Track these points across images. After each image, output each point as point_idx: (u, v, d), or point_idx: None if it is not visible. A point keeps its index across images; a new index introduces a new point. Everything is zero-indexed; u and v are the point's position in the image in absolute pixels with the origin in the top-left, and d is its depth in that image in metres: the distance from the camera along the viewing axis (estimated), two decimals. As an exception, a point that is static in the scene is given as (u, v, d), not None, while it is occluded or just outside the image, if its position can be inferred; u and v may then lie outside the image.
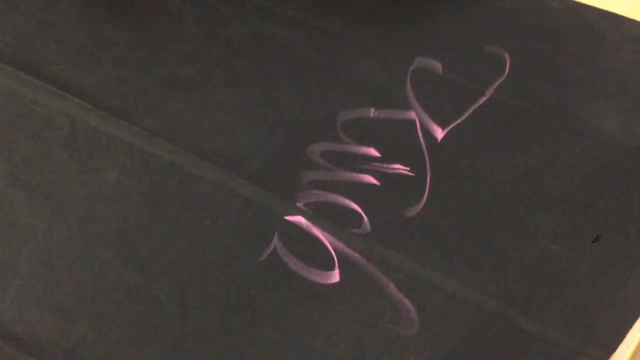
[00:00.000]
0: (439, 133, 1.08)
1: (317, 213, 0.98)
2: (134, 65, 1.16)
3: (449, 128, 1.09)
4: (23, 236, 0.92)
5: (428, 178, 1.02)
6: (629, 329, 0.88)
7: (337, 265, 0.93)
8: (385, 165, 1.04)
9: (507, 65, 1.17)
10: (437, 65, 1.17)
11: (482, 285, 0.91)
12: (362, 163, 1.04)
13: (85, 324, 0.86)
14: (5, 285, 0.88)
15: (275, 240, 0.94)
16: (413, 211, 0.99)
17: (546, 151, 1.06)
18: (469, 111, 1.11)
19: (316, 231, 0.96)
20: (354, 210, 0.99)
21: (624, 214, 0.99)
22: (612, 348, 0.86)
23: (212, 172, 1.01)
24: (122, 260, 0.91)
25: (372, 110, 1.10)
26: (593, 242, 0.96)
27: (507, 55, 1.18)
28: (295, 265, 0.92)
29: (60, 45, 1.18)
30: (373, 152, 1.05)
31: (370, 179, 1.02)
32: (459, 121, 1.09)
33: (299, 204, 0.99)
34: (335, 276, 0.92)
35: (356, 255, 0.94)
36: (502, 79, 1.15)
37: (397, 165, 1.04)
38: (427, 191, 1.01)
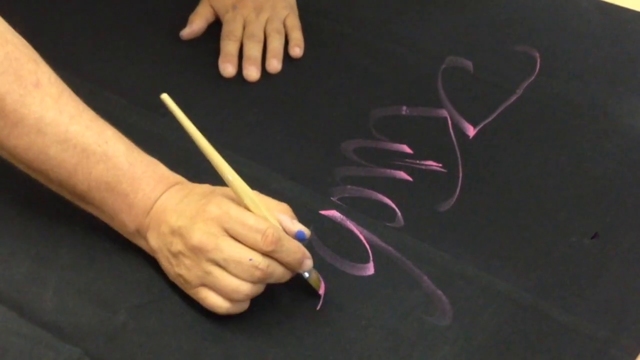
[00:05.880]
0: (471, 131, 1.09)
1: (352, 207, 0.99)
2: (171, 63, 1.18)
3: (480, 126, 1.10)
4: (63, 228, 0.94)
5: (460, 174, 1.04)
6: (660, 321, 0.89)
7: (371, 258, 0.94)
8: (417, 161, 1.05)
9: (538, 64, 1.18)
10: (469, 64, 1.18)
11: (514, 277, 0.92)
12: (395, 159, 1.05)
13: (124, 313, 0.87)
14: (47, 276, 0.90)
15: (311, 234, 0.96)
16: (446, 206, 1.00)
17: (577, 148, 1.07)
18: (500, 109, 1.12)
19: (351, 225, 0.97)
20: (387, 205, 1.00)
21: (655, 209, 1.00)
22: (645, 339, 0.87)
23: (247, 167, 1.02)
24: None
25: (404, 108, 1.12)
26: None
27: (537, 54, 1.20)
28: (331, 258, 0.94)
29: (97, 43, 1.20)
30: (406, 149, 1.06)
31: (403, 175, 1.03)
32: (490, 119, 1.11)
33: (334, 199, 1.00)
34: (370, 269, 0.93)
35: (390, 249, 0.95)
36: (533, 77, 1.16)
37: (430, 162, 1.05)
38: (459, 187, 1.02)
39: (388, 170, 1.04)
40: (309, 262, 0.87)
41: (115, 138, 0.89)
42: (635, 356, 0.86)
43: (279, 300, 0.89)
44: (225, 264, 0.83)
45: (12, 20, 1.22)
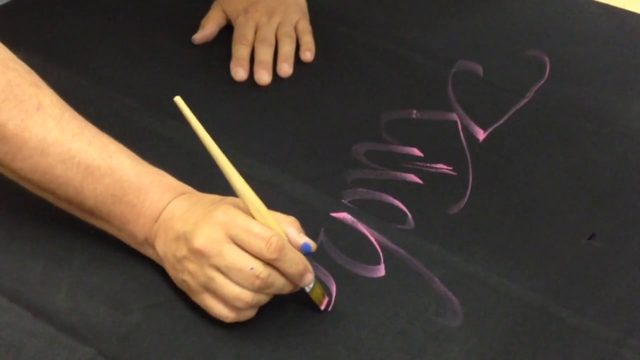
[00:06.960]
0: (481, 134, 1.10)
1: (362, 210, 0.99)
2: (183, 67, 1.19)
3: (490, 129, 1.10)
4: (77, 230, 0.95)
5: (470, 177, 1.04)
6: (669, 322, 0.90)
7: (382, 260, 0.95)
8: (428, 164, 1.06)
9: (548, 68, 1.19)
10: (478, 68, 1.19)
11: (524, 279, 0.93)
12: (406, 162, 1.06)
13: (137, 314, 0.88)
14: (61, 277, 0.91)
15: (322, 236, 0.96)
16: (456, 209, 1.01)
17: (586, 151, 1.08)
18: (510, 113, 1.13)
19: (361, 227, 0.98)
20: (398, 208, 1.00)
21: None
22: (654, 340, 0.87)
23: (259, 169, 1.03)
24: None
25: (415, 111, 1.12)
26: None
27: (547, 59, 1.20)
28: (342, 260, 0.94)
29: (110, 47, 1.21)
30: (416, 152, 1.07)
31: (413, 178, 1.04)
32: (500, 123, 1.11)
33: (345, 201, 1.01)
34: (380, 270, 0.94)
35: (401, 251, 0.95)
36: (543, 81, 1.17)
37: (440, 165, 1.06)
38: (469, 190, 1.03)
39: (399, 173, 1.04)
40: (309, 276, 0.86)
41: (119, 151, 0.89)
42: (645, 357, 0.87)
43: (290, 300, 0.89)
44: (227, 271, 0.83)
45: (27, 26, 1.23)
